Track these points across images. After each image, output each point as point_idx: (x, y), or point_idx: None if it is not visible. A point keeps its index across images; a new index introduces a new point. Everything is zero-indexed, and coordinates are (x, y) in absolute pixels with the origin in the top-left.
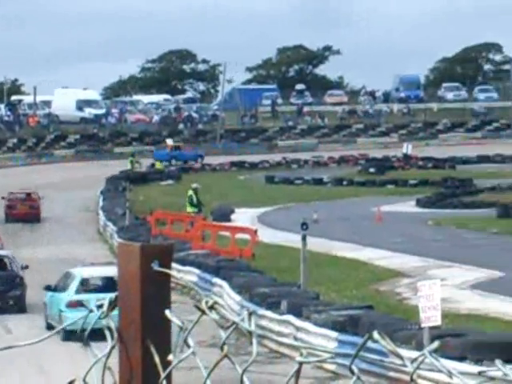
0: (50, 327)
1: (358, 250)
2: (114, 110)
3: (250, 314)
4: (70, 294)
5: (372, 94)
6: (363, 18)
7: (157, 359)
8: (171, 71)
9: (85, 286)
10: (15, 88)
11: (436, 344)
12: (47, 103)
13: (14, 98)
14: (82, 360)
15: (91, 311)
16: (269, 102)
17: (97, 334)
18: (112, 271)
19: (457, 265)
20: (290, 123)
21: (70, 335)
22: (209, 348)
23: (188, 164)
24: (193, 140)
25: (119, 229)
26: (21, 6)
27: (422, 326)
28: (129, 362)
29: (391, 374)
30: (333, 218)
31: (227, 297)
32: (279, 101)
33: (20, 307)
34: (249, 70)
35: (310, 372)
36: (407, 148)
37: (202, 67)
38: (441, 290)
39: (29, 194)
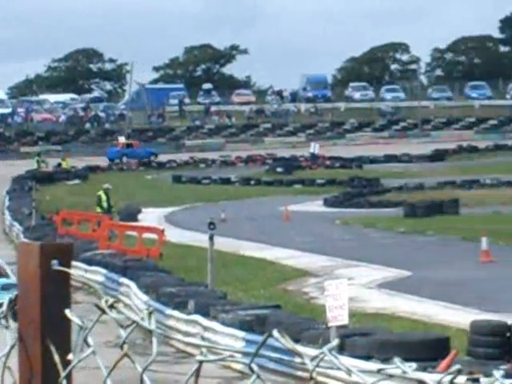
0: None
1: (265, 249)
2: (20, 110)
3: (150, 313)
4: None
5: (279, 93)
6: (271, 18)
7: (57, 358)
8: (78, 70)
9: None
10: None
11: (335, 342)
12: None
13: None
14: None
15: None
16: (176, 101)
17: None
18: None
19: (364, 264)
20: (198, 123)
21: None
22: (115, 348)
23: (142, 161)
24: (100, 139)
25: (25, 229)
26: None
27: (329, 325)
28: (28, 362)
29: (299, 373)
30: (240, 218)
31: (134, 297)
32: (186, 100)
33: None
34: (156, 69)
35: (217, 372)
36: (314, 148)
37: (108, 66)
38: (348, 289)
39: None
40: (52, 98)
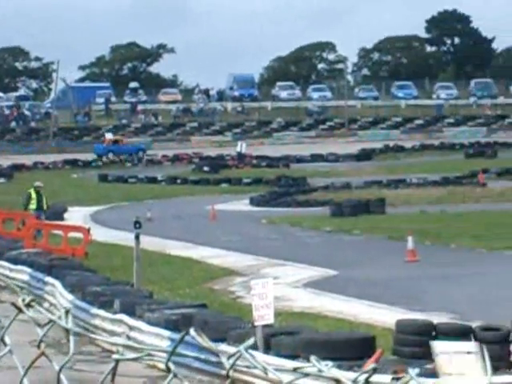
0: None
1: (191, 248)
2: None
3: (67, 312)
4: None
5: (206, 92)
6: (198, 17)
7: None
8: (3, 68)
9: None
10: None
11: (251, 341)
12: None
13: None
14: None
15: None
16: (102, 100)
17: None
18: None
19: (290, 263)
20: (124, 121)
21: None
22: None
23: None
24: (25, 138)
25: None
26: None
27: (255, 324)
28: None
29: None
30: (167, 217)
31: (60, 296)
32: (113, 99)
33: None
34: (82, 68)
35: (143, 371)
36: (241, 147)
37: (34, 65)
38: (274, 288)
39: None
40: None
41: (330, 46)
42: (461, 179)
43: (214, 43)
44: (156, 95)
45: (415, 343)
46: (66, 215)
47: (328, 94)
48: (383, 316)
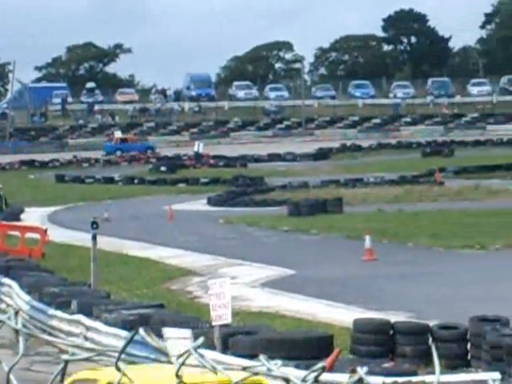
0: None
1: (149, 248)
2: None
3: (17, 313)
4: None
5: (163, 92)
6: (155, 17)
7: None
8: None
9: None
10: None
11: (201, 340)
12: None
13: None
14: None
15: None
16: (59, 100)
17: None
18: None
19: (248, 263)
20: (81, 122)
21: None
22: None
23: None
24: None
25: None
26: None
27: (213, 324)
28: None
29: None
30: (124, 217)
31: (16, 297)
32: (69, 99)
33: None
34: (38, 68)
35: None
36: (198, 146)
37: None
38: (231, 288)
39: None
40: None
41: (287, 46)
42: (418, 178)
43: (172, 43)
44: (113, 95)
45: (372, 342)
46: (22, 216)
47: (285, 93)
48: (341, 315)
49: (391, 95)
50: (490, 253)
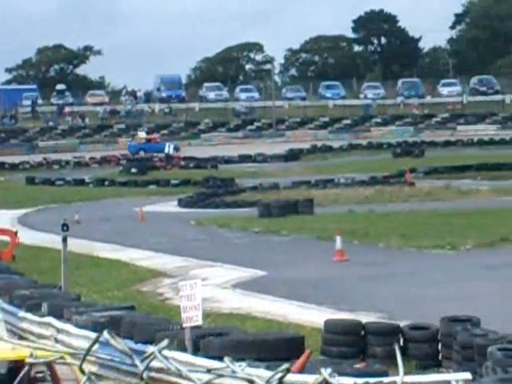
0: None
1: (120, 250)
2: None
3: None
4: None
5: (133, 93)
6: (125, 19)
7: None
8: None
9: None
10: None
11: (165, 342)
12: None
13: None
14: None
15: None
16: (29, 102)
17: None
18: None
19: (219, 264)
20: (51, 123)
21: None
22: None
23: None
24: None
25: None
26: None
27: (184, 326)
28: None
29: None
30: (95, 219)
31: None
32: (39, 101)
33: None
34: (8, 70)
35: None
36: (169, 148)
37: None
38: (202, 289)
39: None
40: None
41: (257, 47)
42: (389, 179)
43: (143, 44)
44: (83, 97)
45: (343, 343)
46: None
47: (255, 94)
48: (312, 316)
49: (362, 96)
50: (461, 253)
